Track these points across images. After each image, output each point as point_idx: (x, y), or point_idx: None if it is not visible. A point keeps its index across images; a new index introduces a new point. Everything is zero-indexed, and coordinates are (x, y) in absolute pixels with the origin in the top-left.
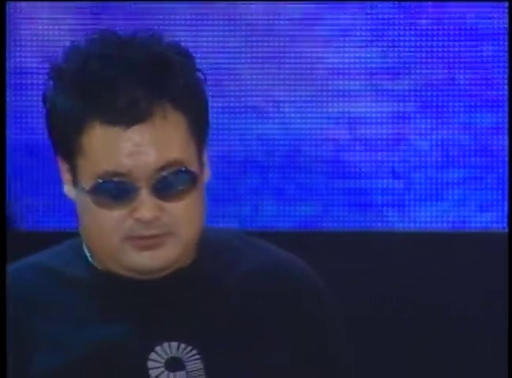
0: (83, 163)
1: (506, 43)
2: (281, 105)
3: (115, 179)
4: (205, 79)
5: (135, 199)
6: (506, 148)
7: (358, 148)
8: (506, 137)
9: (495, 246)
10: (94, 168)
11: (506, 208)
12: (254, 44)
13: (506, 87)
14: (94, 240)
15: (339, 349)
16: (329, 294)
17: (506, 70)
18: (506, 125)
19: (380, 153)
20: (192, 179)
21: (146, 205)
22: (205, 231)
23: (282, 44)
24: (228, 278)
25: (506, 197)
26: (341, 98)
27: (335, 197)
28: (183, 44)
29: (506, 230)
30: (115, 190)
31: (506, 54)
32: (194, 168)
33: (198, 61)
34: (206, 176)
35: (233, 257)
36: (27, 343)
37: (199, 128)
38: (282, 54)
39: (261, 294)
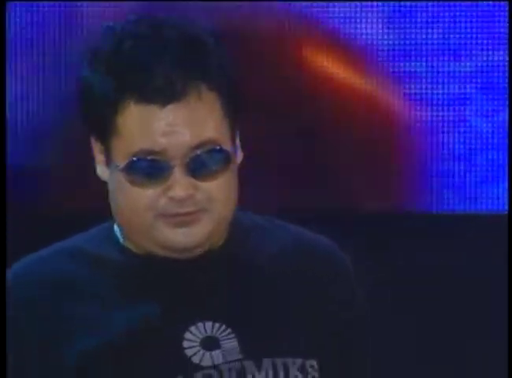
0: (118, 142)
1: None
2: (341, 86)
3: (149, 157)
4: (237, 62)
5: (169, 178)
6: None
7: (417, 130)
8: None
9: None
10: (129, 146)
11: None
12: (314, 21)
13: None
14: (127, 219)
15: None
16: (358, 276)
17: None
18: None
19: (440, 135)
20: (226, 158)
21: (180, 183)
22: (236, 213)
23: (341, 25)
24: (260, 258)
25: None
26: (401, 80)
27: (395, 179)
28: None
29: None
30: (149, 168)
31: None
32: (227, 147)
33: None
34: (239, 158)
35: (263, 237)
36: (60, 327)
37: (233, 109)
38: (341, 36)
39: (292, 274)
